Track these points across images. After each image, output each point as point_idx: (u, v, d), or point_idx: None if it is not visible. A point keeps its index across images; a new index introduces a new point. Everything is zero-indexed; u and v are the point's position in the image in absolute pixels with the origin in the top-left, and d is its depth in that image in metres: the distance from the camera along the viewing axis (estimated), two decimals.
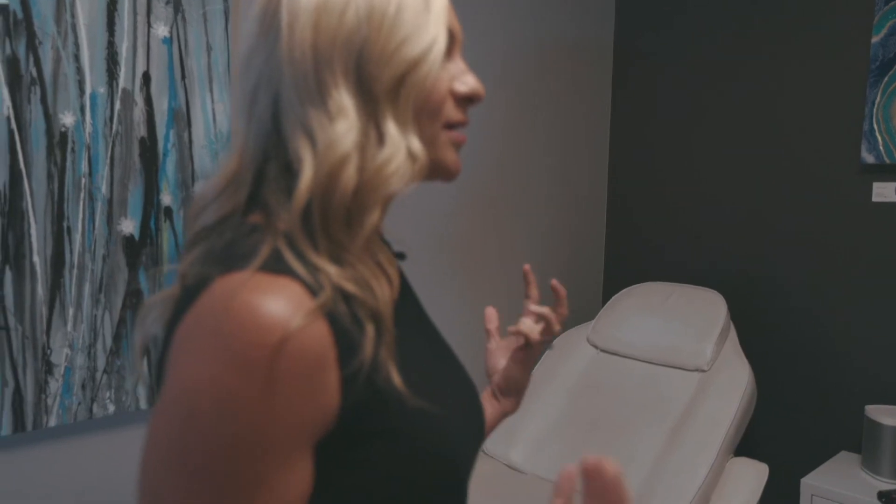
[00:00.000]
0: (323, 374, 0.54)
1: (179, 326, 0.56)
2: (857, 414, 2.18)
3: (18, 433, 1.39)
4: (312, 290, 0.55)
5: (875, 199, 2.13)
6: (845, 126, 2.18)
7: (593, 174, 2.75)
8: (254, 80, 0.64)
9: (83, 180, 1.43)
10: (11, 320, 1.36)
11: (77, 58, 1.40)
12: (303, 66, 0.60)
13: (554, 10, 2.51)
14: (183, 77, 1.55)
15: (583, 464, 0.59)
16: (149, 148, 1.51)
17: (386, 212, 0.66)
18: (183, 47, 1.54)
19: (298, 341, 0.53)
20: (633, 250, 2.73)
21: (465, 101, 0.68)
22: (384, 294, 0.60)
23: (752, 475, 1.97)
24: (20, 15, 1.33)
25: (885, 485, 1.92)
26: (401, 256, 0.80)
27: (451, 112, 0.67)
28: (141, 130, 1.50)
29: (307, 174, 0.59)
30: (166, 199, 1.54)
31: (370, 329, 0.58)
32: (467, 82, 0.68)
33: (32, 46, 1.35)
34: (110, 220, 1.47)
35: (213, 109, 1.60)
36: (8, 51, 1.32)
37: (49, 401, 1.41)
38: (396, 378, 0.59)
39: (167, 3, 1.51)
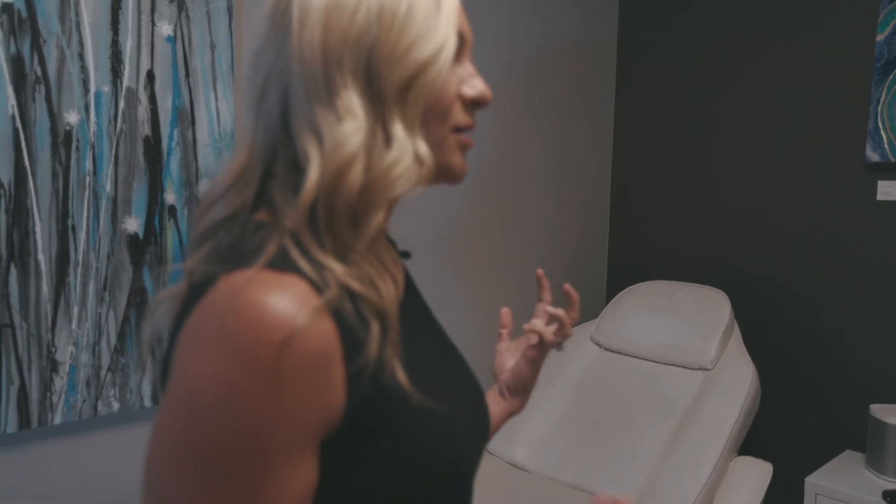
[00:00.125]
0: (328, 371, 0.55)
1: (185, 324, 0.56)
2: (862, 413, 2.17)
3: (24, 430, 1.40)
4: (318, 288, 0.55)
5: (880, 197, 2.12)
6: (850, 124, 2.17)
7: (597, 173, 2.75)
8: (263, 77, 0.64)
9: (87, 179, 1.43)
10: (16, 318, 1.36)
11: (81, 56, 1.41)
12: (312, 65, 0.60)
13: (557, 10, 2.51)
14: (187, 75, 1.55)
15: (597, 500, 0.59)
16: (153, 146, 1.51)
17: (391, 213, 0.66)
18: (187, 46, 1.54)
19: (304, 339, 0.53)
20: (637, 249, 2.72)
21: (473, 104, 0.68)
22: (389, 292, 0.60)
23: (756, 474, 1.96)
24: (25, 13, 1.33)
25: (890, 484, 1.92)
26: (406, 255, 0.80)
27: (459, 115, 0.67)
28: (145, 129, 1.50)
29: (314, 173, 0.59)
30: (170, 197, 1.54)
31: (375, 327, 0.58)
32: (476, 86, 0.68)
33: (37, 45, 1.35)
34: (115, 219, 1.47)
35: (217, 108, 1.60)
36: (13, 49, 1.32)
37: (54, 398, 1.42)
38: (402, 376, 0.59)
39: (171, 1, 1.51)
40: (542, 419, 2.20)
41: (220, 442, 0.52)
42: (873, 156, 2.09)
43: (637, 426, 2.07)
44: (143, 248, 1.51)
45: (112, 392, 1.49)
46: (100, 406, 1.48)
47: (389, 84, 0.60)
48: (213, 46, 1.58)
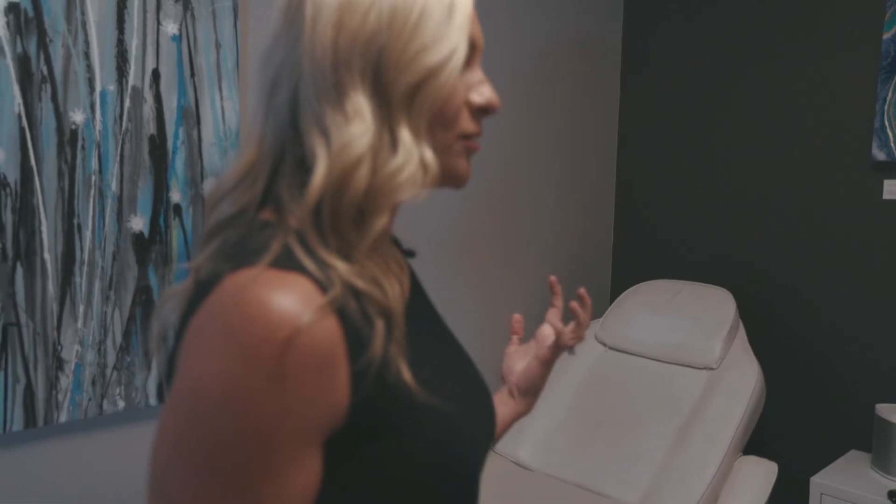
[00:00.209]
0: (332, 369, 0.55)
1: (191, 322, 0.57)
2: (868, 412, 2.17)
3: (30, 429, 1.40)
4: (322, 287, 0.56)
5: (886, 196, 2.12)
6: (856, 123, 2.16)
7: (601, 171, 2.74)
8: (274, 72, 0.64)
9: (93, 178, 1.44)
10: (22, 317, 1.37)
11: (87, 55, 1.41)
12: (322, 64, 0.60)
13: (562, 8, 2.51)
14: (192, 74, 1.55)
15: None
16: (158, 145, 1.52)
17: (395, 214, 0.66)
18: (192, 44, 1.55)
19: (308, 337, 0.53)
20: (641, 247, 2.72)
21: (481, 111, 0.68)
22: (394, 291, 0.61)
23: (761, 474, 1.96)
24: (31, 13, 1.33)
25: None
26: (410, 254, 0.80)
27: (466, 123, 0.67)
28: (150, 128, 1.50)
29: (320, 172, 0.59)
30: (175, 196, 1.55)
31: (380, 325, 0.58)
32: (484, 93, 0.67)
33: (43, 44, 1.36)
34: (120, 218, 1.48)
35: (222, 107, 1.60)
36: (19, 49, 1.33)
37: (60, 397, 1.42)
38: (407, 374, 0.59)
39: (176, 0, 1.52)
40: (547, 418, 2.20)
41: (224, 440, 0.52)
42: (879, 154, 2.09)
43: (642, 425, 2.07)
44: (148, 247, 1.52)
45: (117, 390, 1.50)
46: (105, 404, 1.48)
47: (397, 88, 0.60)
48: (218, 45, 1.58)
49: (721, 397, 2.01)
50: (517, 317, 1.00)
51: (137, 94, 1.48)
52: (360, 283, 0.58)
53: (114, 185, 1.46)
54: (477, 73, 0.68)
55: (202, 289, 0.58)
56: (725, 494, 1.90)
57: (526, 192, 2.45)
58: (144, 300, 1.52)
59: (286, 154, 0.63)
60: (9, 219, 1.34)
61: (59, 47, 1.37)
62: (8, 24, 1.31)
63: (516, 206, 2.42)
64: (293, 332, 0.52)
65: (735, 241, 2.45)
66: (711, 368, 2.11)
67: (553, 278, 0.99)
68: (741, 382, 2.02)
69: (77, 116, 1.41)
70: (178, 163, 1.55)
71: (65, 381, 1.43)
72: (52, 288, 1.40)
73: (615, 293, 2.80)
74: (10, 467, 1.41)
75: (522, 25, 2.37)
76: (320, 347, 0.54)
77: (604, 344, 2.34)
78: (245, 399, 0.52)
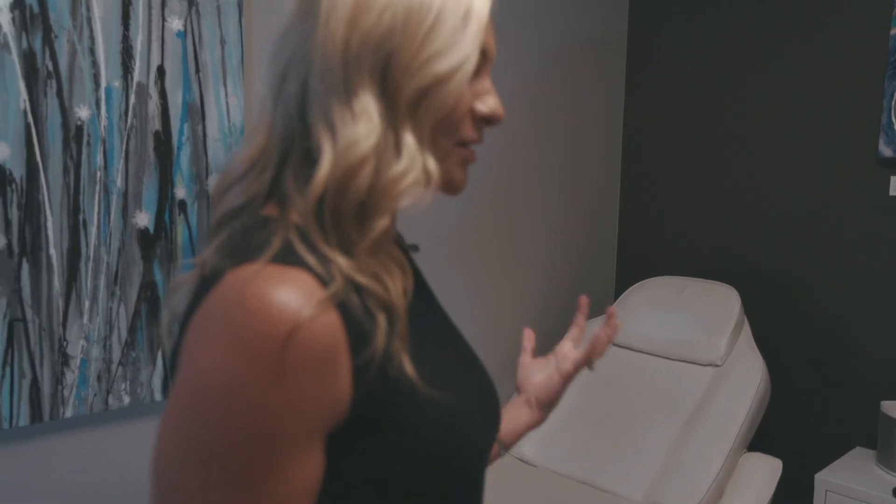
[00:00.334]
0: (334, 364, 0.55)
1: (193, 317, 0.57)
2: (873, 409, 2.16)
3: (36, 424, 1.41)
4: (324, 281, 0.56)
5: (893, 192, 2.11)
6: (863, 119, 2.15)
7: (606, 169, 2.74)
8: (286, 61, 0.63)
9: (98, 174, 1.44)
10: (28, 312, 1.37)
11: (92, 51, 1.41)
12: (333, 60, 0.60)
13: (567, 7, 2.50)
14: (197, 70, 1.55)
15: None
16: (163, 141, 1.52)
17: (396, 217, 0.66)
18: (197, 41, 1.55)
19: (309, 331, 0.53)
20: (647, 244, 2.72)
21: (484, 121, 0.67)
22: (396, 285, 0.61)
23: (765, 470, 1.96)
24: (36, 9, 1.34)
25: None
26: (413, 248, 0.80)
27: (467, 130, 0.66)
28: (155, 124, 1.51)
29: (325, 167, 0.59)
30: (180, 192, 1.55)
31: (382, 319, 0.58)
32: (489, 103, 0.67)
33: (48, 40, 1.36)
34: (125, 214, 1.48)
35: (227, 103, 1.60)
36: (24, 45, 1.33)
37: (65, 392, 1.43)
38: (409, 368, 0.60)
39: None
40: (551, 414, 2.20)
41: (227, 435, 0.52)
42: (886, 151, 2.08)
43: (646, 422, 2.07)
44: (153, 243, 1.52)
45: (123, 386, 1.50)
46: (111, 400, 1.49)
47: (404, 92, 0.60)
48: (223, 41, 1.58)
49: (726, 394, 2.01)
50: (528, 333, 1.02)
51: (142, 91, 1.48)
52: (361, 278, 0.58)
53: (119, 181, 1.47)
54: (485, 82, 0.67)
55: (205, 284, 0.58)
56: (730, 491, 1.90)
57: (531, 189, 2.45)
58: (149, 296, 1.52)
59: (294, 144, 0.63)
60: (14, 215, 1.34)
61: (64, 43, 1.38)
62: (13, 19, 1.31)
63: (521, 202, 2.42)
64: (294, 326, 0.52)
65: (740, 238, 2.45)
66: (716, 365, 2.10)
67: (584, 298, 1.00)
68: (746, 379, 2.02)
69: (82, 112, 1.41)
70: (183, 159, 1.55)
71: (70, 377, 1.43)
72: (57, 284, 1.40)
73: (620, 290, 2.79)
74: (16, 462, 1.42)
75: (527, 24, 2.36)
76: (322, 342, 0.54)
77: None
78: (247, 394, 0.52)
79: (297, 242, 0.58)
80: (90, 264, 1.44)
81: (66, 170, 1.40)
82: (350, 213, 0.59)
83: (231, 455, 0.53)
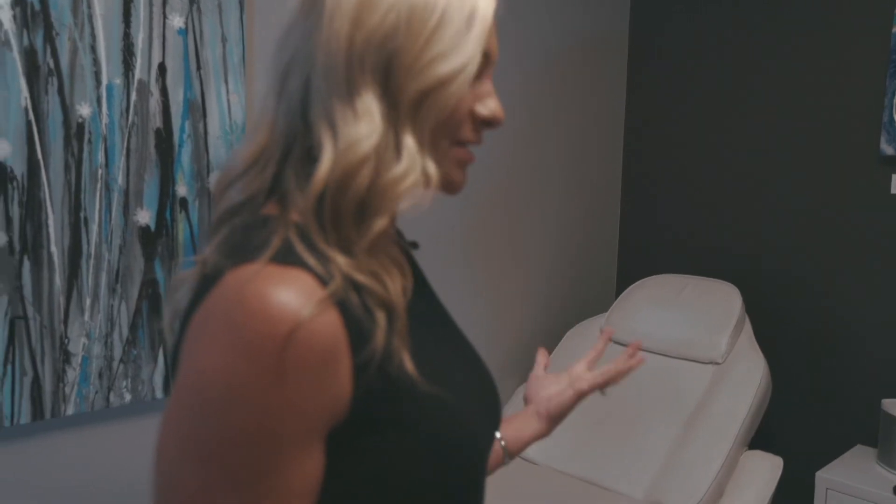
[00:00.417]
0: (334, 363, 0.55)
1: (194, 316, 0.57)
2: (874, 408, 2.16)
3: (37, 421, 1.41)
4: (323, 281, 0.56)
5: (894, 190, 2.10)
6: (864, 117, 2.15)
7: (608, 167, 2.73)
8: (288, 58, 0.63)
9: (100, 171, 1.44)
10: (30, 310, 1.37)
11: (93, 49, 1.41)
12: (336, 58, 0.60)
13: (567, 5, 2.50)
14: (198, 68, 1.55)
15: None
16: (164, 139, 1.52)
17: (396, 218, 0.65)
18: (198, 38, 1.55)
19: (309, 331, 0.53)
20: (648, 242, 2.71)
21: (484, 123, 0.67)
22: (395, 284, 0.61)
23: (766, 468, 1.96)
24: (38, 6, 1.34)
25: None
26: (414, 246, 0.80)
27: (467, 132, 0.66)
28: (156, 121, 1.51)
29: (325, 165, 0.59)
30: (181, 189, 1.55)
31: (381, 318, 0.58)
32: (489, 106, 0.67)
33: (50, 38, 1.36)
34: (126, 211, 1.48)
35: (228, 100, 1.60)
36: (26, 42, 1.33)
37: (67, 389, 1.43)
38: (409, 366, 0.60)
39: None
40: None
41: (227, 435, 0.53)
42: (888, 149, 2.07)
43: (647, 420, 2.07)
44: (154, 241, 1.52)
45: (124, 383, 1.50)
46: (112, 397, 1.49)
47: (406, 94, 0.60)
48: (224, 39, 1.58)
49: (727, 392, 2.00)
50: (543, 352, 1.07)
51: (144, 88, 1.48)
52: (360, 277, 0.58)
53: (120, 179, 1.47)
54: (486, 85, 0.67)
55: (205, 283, 0.58)
56: (731, 489, 1.90)
57: (532, 189, 2.45)
58: (150, 293, 1.52)
59: (296, 142, 0.63)
60: (16, 212, 1.35)
61: (65, 41, 1.38)
62: (14, 17, 1.31)
63: (522, 203, 2.42)
64: (294, 326, 0.53)
65: (741, 236, 2.45)
66: (717, 363, 2.10)
67: (609, 329, 1.08)
68: (747, 377, 2.02)
69: (83, 110, 1.41)
70: (185, 156, 1.55)
71: (72, 374, 1.43)
72: (58, 281, 1.40)
73: (621, 287, 2.79)
74: (17, 459, 1.42)
75: (528, 23, 2.36)
76: (322, 341, 0.54)
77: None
78: (248, 394, 0.52)
79: (296, 241, 0.58)
80: (91, 262, 1.44)
81: (67, 167, 1.40)
82: (349, 212, 0.59)
83: (231, 455, 0.53)
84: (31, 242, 1.37)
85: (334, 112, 0.60)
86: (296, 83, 0.62)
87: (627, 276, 2.77)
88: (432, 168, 0.61)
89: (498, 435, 0.94)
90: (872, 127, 2.13)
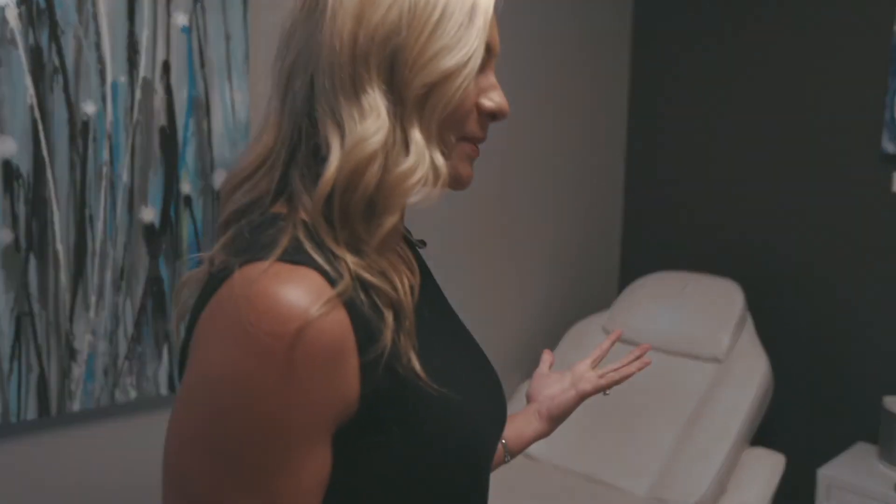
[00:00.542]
0: (342, 361, 0.55)
1: (202, 314, 0.57)
2: (875, 405, 2.16)
3: (43, 417, 1.42)
4: (331, 280, 0.56)
5: (895, 188, 2.11)
6: (866, 115, 2.15)
7: (610, 163, 2.73)
8: (292, 59, 0.63)
9: (104, 169, 1.45)
10: (35, 307, 1.38)
11: (98, 47, 1.42)
12: (340, 56, 0.60)
13: None
14: (202, 66, 1.56)
15: None
16: (169, 137, 1.52)
17: (405, 215, 0.66)
18: (202, 36, 1.55)
19: (317, 329, 0.53)
20: (650, 239, 2.72)
21: (489, 117, 0.67)
22: (403, 283, 0.61)
23: (768, 465, 1.96)
24: (43, 4, 1.34)
25: None
26: (421, 244, 0.80)
27: (473, 127, 0.66)
28: (161, 119, 1.51)
29: (333, 164, 0.59)
30: (186, 187, 1.56)
31: (389, 317, 0.59)
32: (494, 99, 0.67)
33: (55, 36, 1.36)
34: (131, 209, 1.48)
35: (232, 98, 1.61)
36: (31, 40, 1.34)
37: (72, 386, 1.43)
38: (416, 365, 0.60)
39: None
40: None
41: (236, 432, 0.53)
42: (889, 147, 2.07)
43: (649, 417, 2.07)
44: (158, 238, 1.53)
45: (129, 380, 1.51)
46: (117, 394, 1.50)
47: (411, 89, 0.60)
48: (228, 37, 1.58)
49: (729, 389, 2.01)
50: (548, 352, 1.07)
51: (148, 86, 1.49)
52: (368, 276, 0.59)
53: (125, 177, 1.47)
54: (490, 78, 0.67)
55: (213, 282, 0.58)
56: (733, 486, 1.91)
57: (534, 185, 2.45)
58: (155, 291, 1.53)
59: (302, 142, 0.63)
60: (21, 210, 1.35)
61: (70, 39, 1.38)
62: (20, 15, 1.32)
63: (525, 197, 2.42)
64: (302, 325, 0.53)
65: (743, 233, 2.45)
66: (719, 360, 2.11)
67: (618, 331, 1.09)
68: (749, 374, 2.02)
69: (89, 108, 1.42)
70: (189, 154, 1.55)
71: (77, 371, 1.44)
72: (64, 278, 1.41)
73: (623, 284, 2.79)
74: (23, 456, 1.42)
75: (530, 17, 2.36)
76: (330, 340, 0.54)
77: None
78: (256, 393, 0.53)
79: (305, 240, 0.58)
80: (96, 259, 1.45)
81: (72, 165, 1.40)
82: (358, 210, 0.59)
83: (239, 453, 0.53)
84: (37, 240, 1.37)
85: (340, 110, 0.60)
86: (300, 83, 0.62)
87: (630, 272, 2.77)
88: (441, 161, 0.61)
89: None
90: (874, 125, 2.13)
